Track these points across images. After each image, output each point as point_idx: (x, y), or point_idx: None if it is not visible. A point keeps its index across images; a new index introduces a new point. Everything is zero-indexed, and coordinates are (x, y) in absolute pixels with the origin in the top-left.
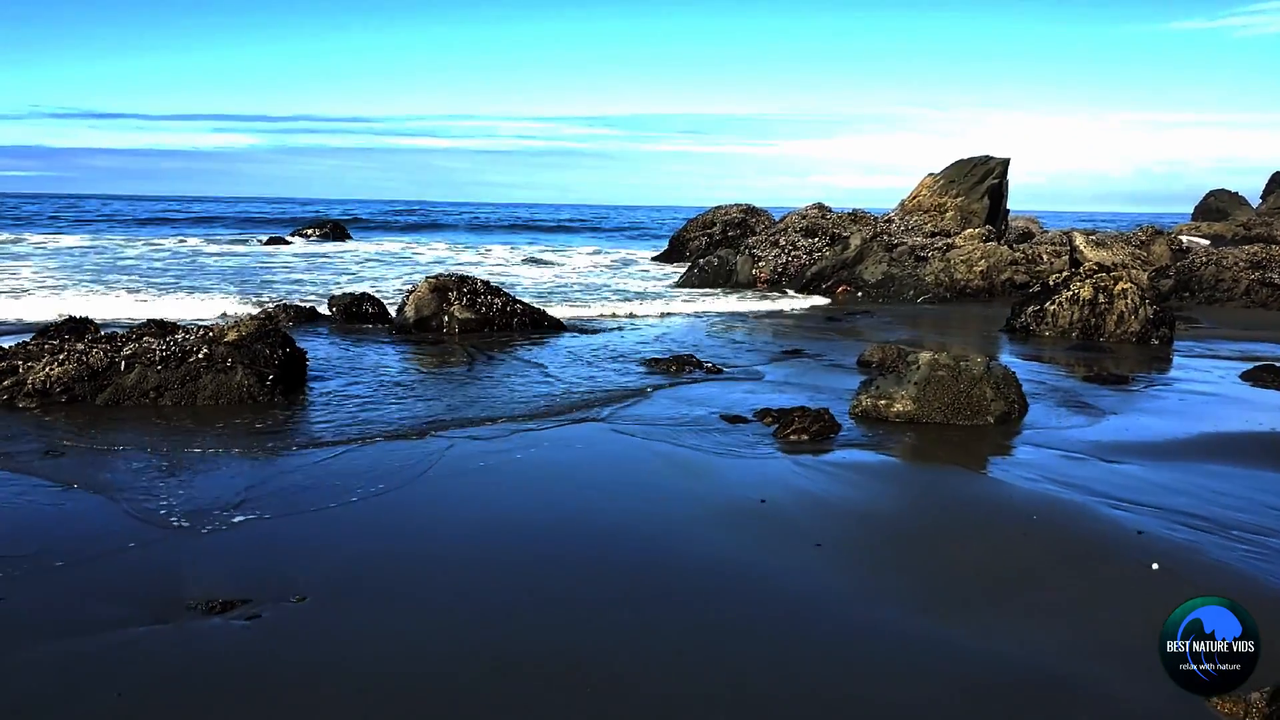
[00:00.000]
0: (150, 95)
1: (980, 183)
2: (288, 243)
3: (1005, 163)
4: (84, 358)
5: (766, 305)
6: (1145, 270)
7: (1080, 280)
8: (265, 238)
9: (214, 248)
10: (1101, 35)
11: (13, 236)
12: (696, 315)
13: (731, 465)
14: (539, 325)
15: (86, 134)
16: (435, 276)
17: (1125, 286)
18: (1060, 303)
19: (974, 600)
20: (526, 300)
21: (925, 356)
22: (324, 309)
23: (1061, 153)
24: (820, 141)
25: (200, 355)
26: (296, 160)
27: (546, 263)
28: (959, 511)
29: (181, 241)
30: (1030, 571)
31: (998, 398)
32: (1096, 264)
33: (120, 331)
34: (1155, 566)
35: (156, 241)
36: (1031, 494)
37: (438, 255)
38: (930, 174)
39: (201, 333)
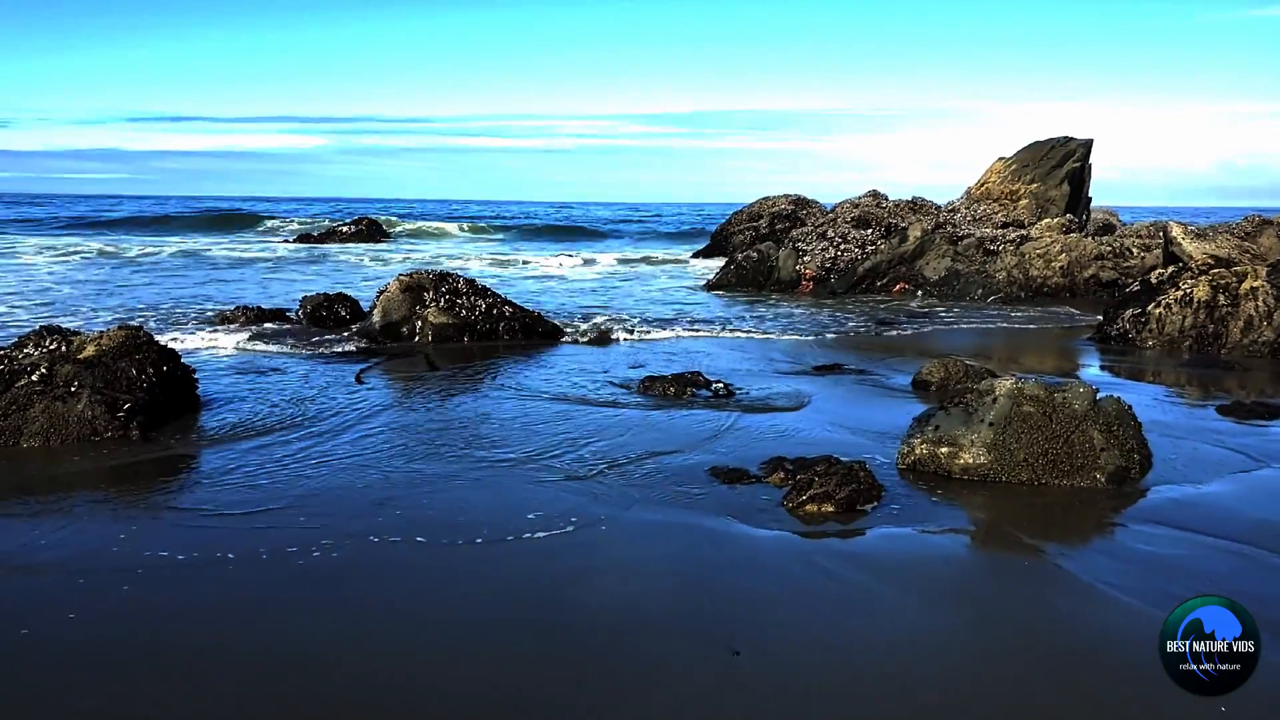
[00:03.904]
0: (219, 98)
1: (1059, 167)
2: (318, 242)
3: (1088, 144)
4: None
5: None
6: (1261, 266)
7: (1193, 277)
8: (294, 237)
9: (221, 249)
10: (1179, 23)
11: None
12: (719, 323)
13: (707, 562)
14: (531, 332)
15: (161, 137)
16: (409, 274)
17: (1255, 285)
18: (1168, 305)
19: None
20: (519, 303)
21: (1005, 385)
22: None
23: (1137, 146)
24: (884, 136)
25: (35, 377)
26: (361, 161)
27: (577, 260)
28: (1083, 690)
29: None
30: None
31: (1110, 445)
32: (1211, 258)
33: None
34: None
35: (164, 242)
36: None
37: (461, 252)
38: (1001, 158)
39: (54, 346)
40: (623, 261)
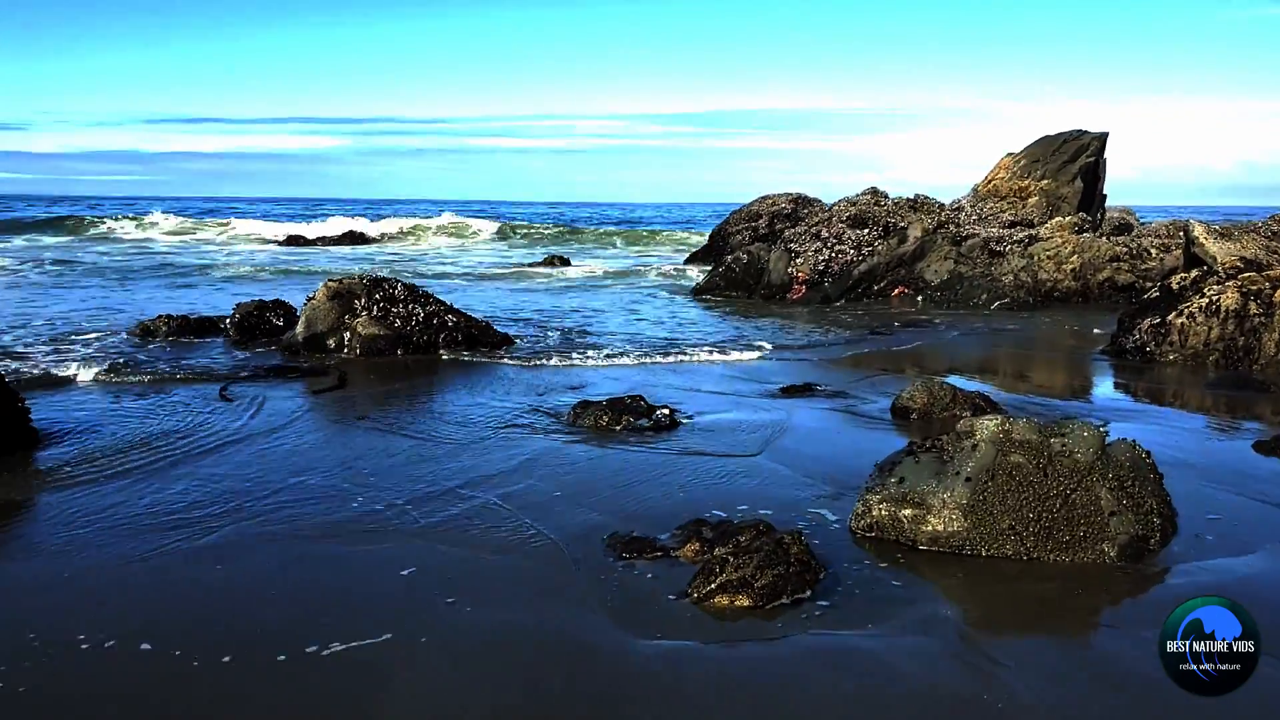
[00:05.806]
0: (237, 100)
1: (1071, 162)
2: (309, 244)
3: (1102, 138)
4: None
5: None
6: None
7: (1219, 282)
8: (284, 237)
9: (194, 249)
10: (1199, 20)
11: None
12: (690, 333)
13: (546, 704)
14: (477, 344)
15: (179, 139)
16: (339, 279)
17: None
18: (1191, 314)
19: None
20: (480, 311)
21: (988, 426)
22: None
23: (1156, 144)
24: (900, 135)
25: None
26: (379, 162)
27: (563, 263)
28: None
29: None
30: None
31: (1122, 508)
32: (1240, 260)
33: None
34: None
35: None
36: None
37: (447, 253)
38: (1009, 153)
39: None
40: (612, 264)
